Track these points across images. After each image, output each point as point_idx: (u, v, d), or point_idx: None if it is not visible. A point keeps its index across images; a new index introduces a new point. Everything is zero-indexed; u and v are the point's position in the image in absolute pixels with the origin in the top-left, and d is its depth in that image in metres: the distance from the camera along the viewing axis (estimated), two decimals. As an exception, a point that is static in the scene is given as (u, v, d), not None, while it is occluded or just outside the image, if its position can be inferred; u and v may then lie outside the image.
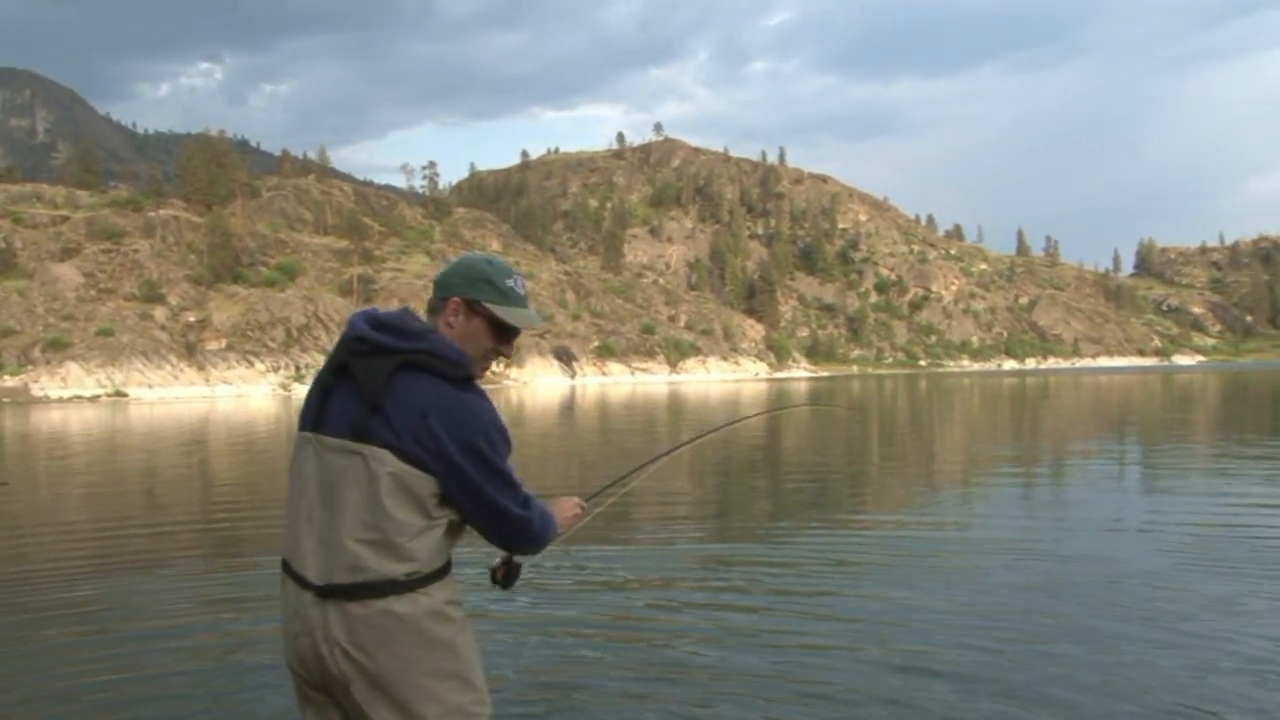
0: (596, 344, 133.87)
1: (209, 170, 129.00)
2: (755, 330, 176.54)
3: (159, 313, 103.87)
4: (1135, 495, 12.63)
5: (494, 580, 2.82)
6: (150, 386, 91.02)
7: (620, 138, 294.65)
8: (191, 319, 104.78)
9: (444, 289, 2.63)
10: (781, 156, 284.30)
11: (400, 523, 2.39)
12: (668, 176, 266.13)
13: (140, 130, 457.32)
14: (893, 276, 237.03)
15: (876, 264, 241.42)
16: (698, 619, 6.53)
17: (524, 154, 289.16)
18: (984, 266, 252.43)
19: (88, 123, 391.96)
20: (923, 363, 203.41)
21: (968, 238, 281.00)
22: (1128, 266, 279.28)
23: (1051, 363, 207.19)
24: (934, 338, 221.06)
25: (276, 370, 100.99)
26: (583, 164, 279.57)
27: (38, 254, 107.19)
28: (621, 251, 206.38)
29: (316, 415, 2.54)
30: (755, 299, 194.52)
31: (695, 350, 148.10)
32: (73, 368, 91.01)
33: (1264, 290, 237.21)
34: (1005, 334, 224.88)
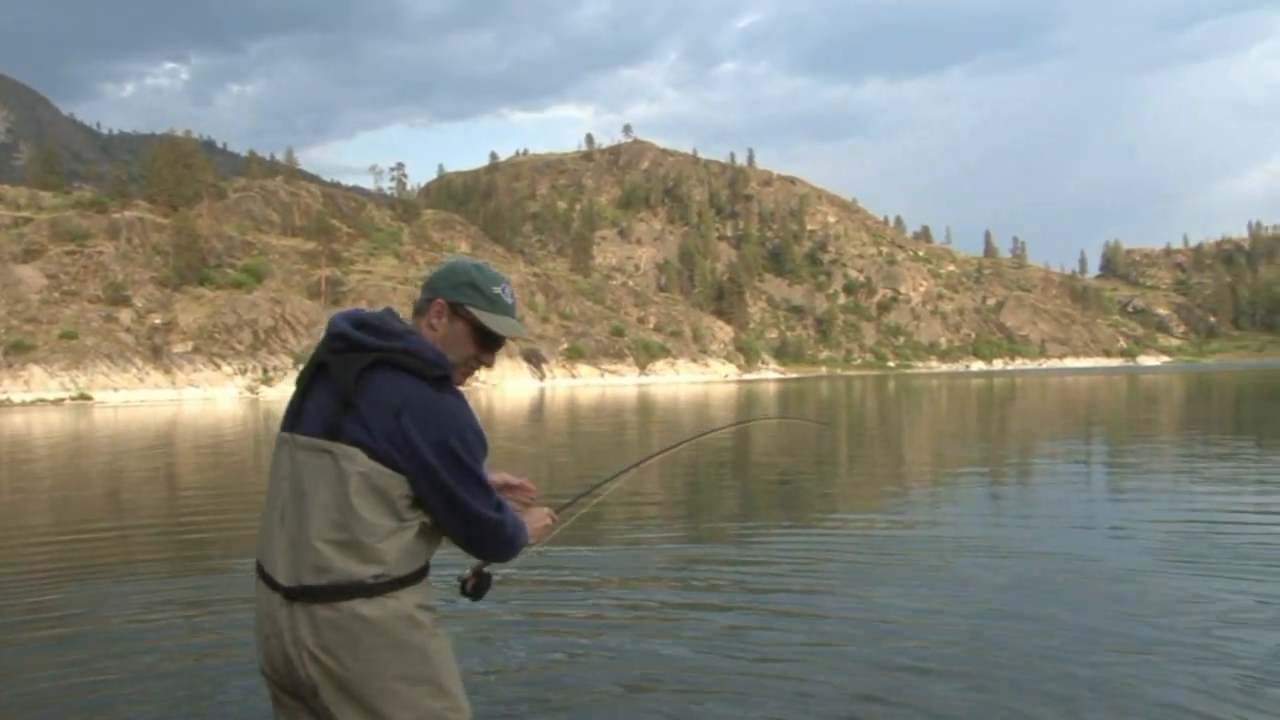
0: (566, 346, 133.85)
1: (175, 171, 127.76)
2: (724, 332, 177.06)
3: (124, 315, 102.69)
4: (1105, 494, 12.75)
5: (463, 591, 2.80)
6: (115, 390, 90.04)
7: (589, 139, 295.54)
8: (157, 321, 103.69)
9: (430, 290, 2.61)
10: (750, 158, 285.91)
11: (369, 523, 2.35)
12: (636, 178, 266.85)
13: (104, 130, 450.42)
14: (861, 278, 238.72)
15: (845, 265, 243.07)
16: (676, 619, 6.52)
17: (493, 155, 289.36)
18: (952, 268, 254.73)
19: (51, 123, 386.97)
20: (891, 364, 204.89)
21: (936, 239, 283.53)
22: (1094, 268, 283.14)
23: (1019, 364, 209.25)
24: (902, 339, 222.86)
25: (244, 373, 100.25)
26: (551, 166, 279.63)
27: (0, 256, 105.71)
28: (590, 253, 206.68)
29: (294, 415, 2.52)
30: (724, 300, 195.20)
31: (664, 352, 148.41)
32: (36, 371, 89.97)
33: (1227, 292, 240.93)
34: (973, 335, 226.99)
